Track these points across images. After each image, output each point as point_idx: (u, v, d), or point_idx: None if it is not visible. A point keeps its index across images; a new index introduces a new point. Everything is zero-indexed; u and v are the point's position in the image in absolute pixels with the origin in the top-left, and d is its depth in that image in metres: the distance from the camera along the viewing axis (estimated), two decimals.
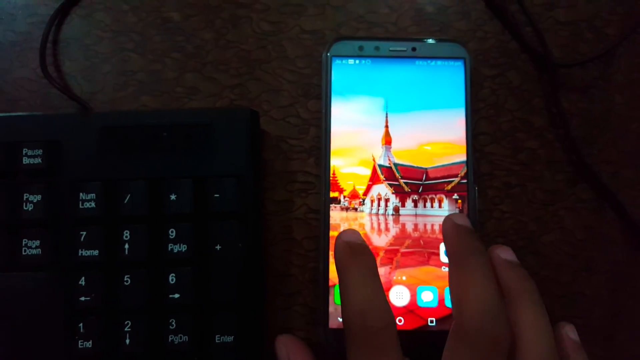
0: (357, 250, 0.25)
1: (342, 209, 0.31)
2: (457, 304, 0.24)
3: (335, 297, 0.29)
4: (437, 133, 0.31)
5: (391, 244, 0.30)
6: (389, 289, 0.30)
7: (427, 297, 0.30)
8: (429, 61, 0.32)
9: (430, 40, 0.33)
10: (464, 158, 0.31)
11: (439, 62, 0.32)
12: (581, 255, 0.32)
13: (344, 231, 0.26)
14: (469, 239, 0.25)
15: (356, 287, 0.24)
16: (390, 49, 0.32)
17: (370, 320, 0.23)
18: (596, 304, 0.32)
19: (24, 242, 0.29)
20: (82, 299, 0.28)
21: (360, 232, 0.26)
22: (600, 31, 0.34)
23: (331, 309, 0.29)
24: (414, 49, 0.32)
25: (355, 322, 0.23)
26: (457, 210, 0.30)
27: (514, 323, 0.24)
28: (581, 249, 0.32)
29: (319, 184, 0.32)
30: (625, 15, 0.34)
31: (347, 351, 0.23)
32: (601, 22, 0.34)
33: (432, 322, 0.29)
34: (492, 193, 0.32)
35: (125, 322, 0.28)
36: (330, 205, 0.31)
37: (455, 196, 0.31)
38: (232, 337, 0.28)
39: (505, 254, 0.27)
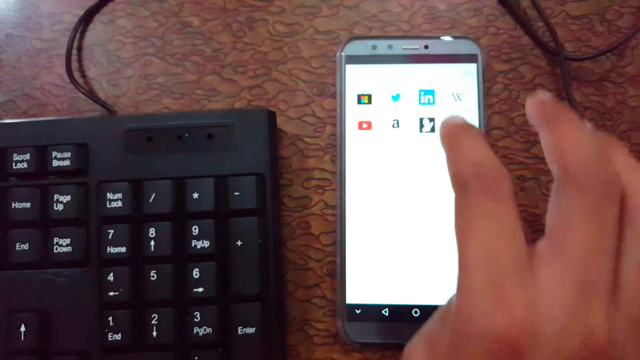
0: (466, 125, 0.23)
1: None
2: (559, 156, 0.21)
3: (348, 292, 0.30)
4: None
5: None
6: None
7: None
8: (441, 58, 0.33)
9: (442, 37, 0.33)
10: None
11: (452, 59, 0.33)
12: None
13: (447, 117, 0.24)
14: (556, 105, 0.23)
15: (469, 147, 0.22)
16: (403, 47, 0.33)
17: (487, 169, 0.21)
18: None
19: (55, 240, 0.30)
20: (111, 293, 0.29)
21: None
22: (612, 24, 0.35)
23: (348, 301, 0.30)
24: (426, 47, 0.33)
25: (469, 173, 0.21)
26: None
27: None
28: None
29: (335, 181, 0.33)
30: (637, 8, 0.34)
31: (456, 208, 0.21)
32: (613, 15, 0.35)
33: None
34: None
35: (152, 315, 0.29)
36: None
37: None
38: (254, 328, 0.29)
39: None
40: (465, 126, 0.23)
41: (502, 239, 0.20)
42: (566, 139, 0.21)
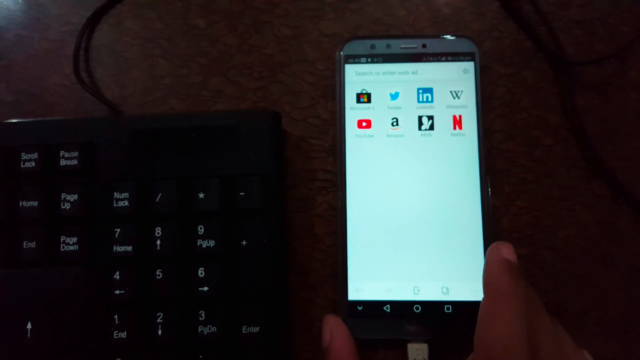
0: (516, 274, 0.25)
1: None
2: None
3: (350, 292, 0.31)
4: None
5: None
6: None
7: None
8: (439, 56, 0.33)
9: (440, 36, 0.34)
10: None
11: (449, 58, 0.33)
12: (596, 249, 0.33)
13: (502, 245, 0.26)
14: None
15: (506, 321, 0.24)
16: (402, 46, 0.33)
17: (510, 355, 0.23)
18: (611, 297, 0.32)
19: (62, 239, 0.30)
20: (117, 292, 0.29)
21: None
22: (615, 29, 0.35)
23: (350, 298, 0.31)
24: (424, 46, 0.33)
25: (494, 351, 0.24)
26: None
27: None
28: (597, 243, 0.33)
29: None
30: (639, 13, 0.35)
31: None
32: (615, 19, 0.35)
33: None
34: (509, 189, 0.33)
35: (158, 314, 0.29)
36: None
37: None
38: (258, 327, 0.29)
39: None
40: (513, 276, 0.25)
41: None
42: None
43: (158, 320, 0.29)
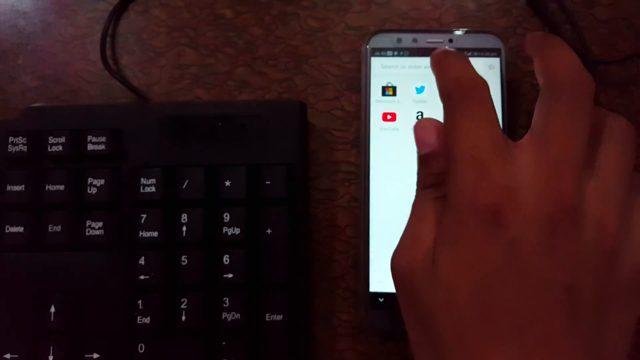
0: (448, 50, 0.27)
1: None
2: (545, 68, 0.24)
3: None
4: None
5: None
6: None
7: None
8: (465, 51, 0.33)
9: (466, 32, 0.34)
10: None
11: (475, 53, 0.33)
12: None
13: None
14: (545, 35, 0.27)
15: (450, 65, 0.25)
16: (428, 40, 0.34)
17: (465, 79, 0.24)
18: None
19: (87, 224, 0.30)
20: (142, 277, 0.30)
21: None
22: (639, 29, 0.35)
23: (372, 289, 0.31)
24: (450, 40, 0.34)
25: (450, 85, 0.24)
26: None
27: None
28: None
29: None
30: None
31: (444, 118, 0.24)
32: None
33: None
34: None
35: (182, 300, 0.29)
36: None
37: None
38: (282, 315, 0.29)
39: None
40: (447, 51, 0.26)
41: (482, 130, 0.23)
42: (551, 55, 0.25)
43: (182, 306, 0.29)
